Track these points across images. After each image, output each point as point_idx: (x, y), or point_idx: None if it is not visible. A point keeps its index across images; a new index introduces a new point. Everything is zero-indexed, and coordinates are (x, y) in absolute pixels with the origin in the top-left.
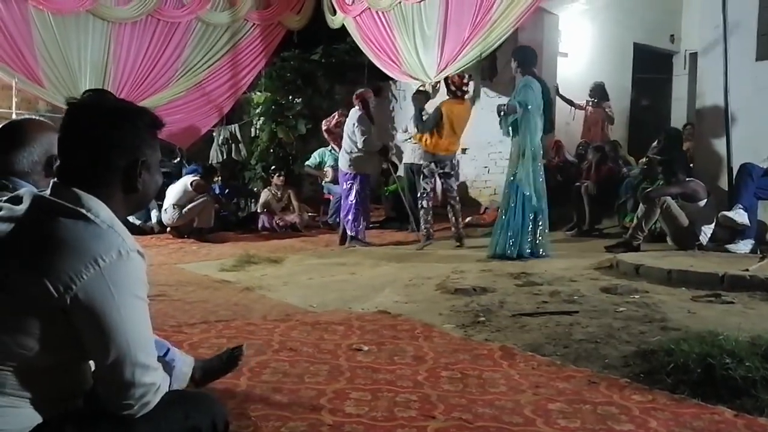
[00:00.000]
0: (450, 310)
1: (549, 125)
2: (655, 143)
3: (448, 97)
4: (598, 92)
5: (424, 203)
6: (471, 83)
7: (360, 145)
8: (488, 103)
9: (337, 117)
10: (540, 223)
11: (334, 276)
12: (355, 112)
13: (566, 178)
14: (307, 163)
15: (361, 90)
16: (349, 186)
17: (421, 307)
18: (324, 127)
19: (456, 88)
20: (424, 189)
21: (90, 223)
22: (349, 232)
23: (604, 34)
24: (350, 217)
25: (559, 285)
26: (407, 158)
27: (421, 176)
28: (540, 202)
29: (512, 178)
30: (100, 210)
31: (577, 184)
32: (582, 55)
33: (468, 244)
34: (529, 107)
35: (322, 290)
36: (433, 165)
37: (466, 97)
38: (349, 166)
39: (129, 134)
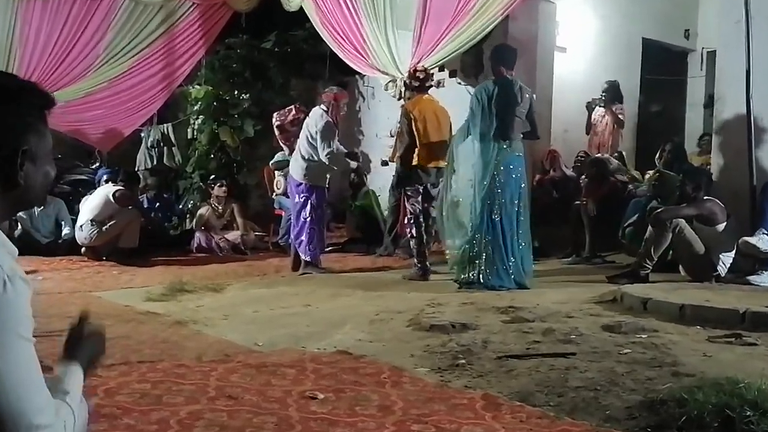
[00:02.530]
0: (424, 350)
1: (533, 130)
2: (657, 155)
3: (410, 95)
4: (611, 93)
5: (414, 231)
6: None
7: (323, 159)
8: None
9: (294, 112)
10: (477, 249)
11: (285, 308)
12: (320, 115)
13: (564, 196)
14: (275, 160)
15: (336, 90)
16: (302, 200)
17: (389, 346)
18: (276, 122)
19: (423, 80)
20: (412, 213)
21: None
22: (303, 256)
23: (609, 27)
24: (304, 238)
25: (554, 321)
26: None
27: (406, 197)
28: (482, 224)
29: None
30: None
31: (577, 202)
32: (583, 50)
33: (445, 271)
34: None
35: (270, 325)
36: (418, 183)
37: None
38: (304, 175)
39: (9, 117)
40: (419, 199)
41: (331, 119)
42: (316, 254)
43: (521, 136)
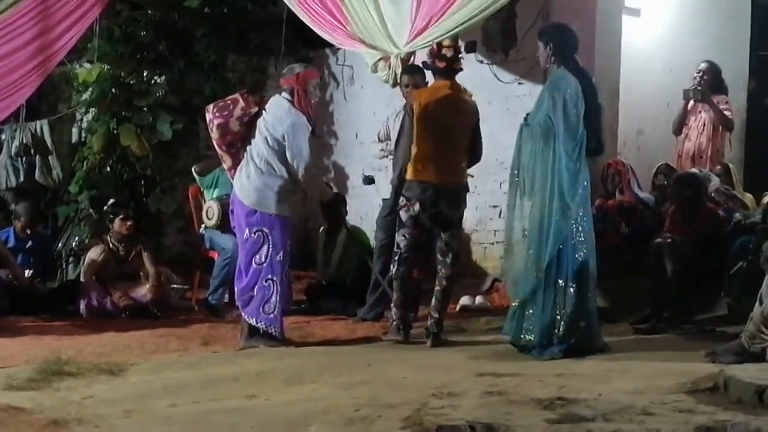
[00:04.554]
0: None
1: (596, 144)
2: None
3: (408, 80)
4: (711, 78)
5: (400, 269)
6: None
7: (298, 176)
8: (500, 92)
9: (242, 103)
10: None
11: (217, 401)
12: (286, 109)
13: (637, 230)
14: (196, 168)
15: (301, 68)
16: (255, 237)
17: None
18: (216, 120)
19: (452, 60)
20: (398, 246)
21: None
22: (248, 320)
23: None
24: (256, 294)
25: (624, 421)
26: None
27: (398, 224)
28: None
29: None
30: None
31: (657, 240)
32: (663, 14)
33: (461, 341)
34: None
35: (195, 428)
36: (411, 203)
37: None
38: (258, 199)
39: None
40: (410, 229)
41: (299, 111)
42: (276, 320)
43: None
